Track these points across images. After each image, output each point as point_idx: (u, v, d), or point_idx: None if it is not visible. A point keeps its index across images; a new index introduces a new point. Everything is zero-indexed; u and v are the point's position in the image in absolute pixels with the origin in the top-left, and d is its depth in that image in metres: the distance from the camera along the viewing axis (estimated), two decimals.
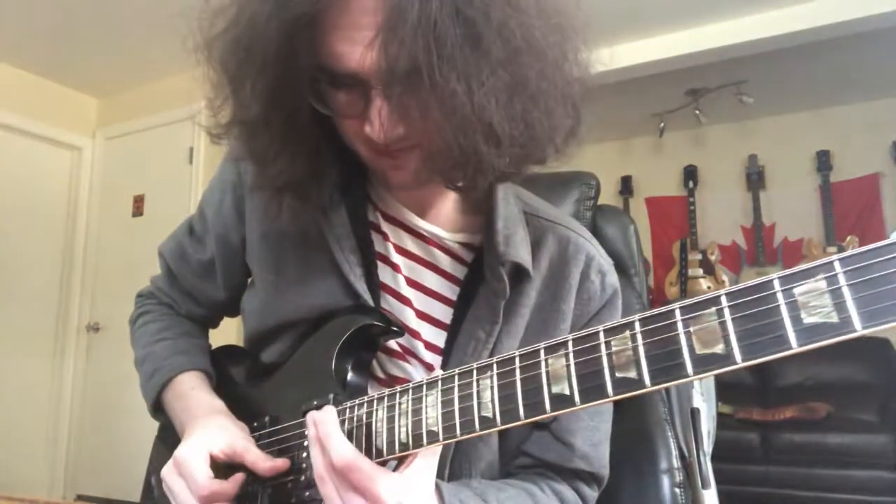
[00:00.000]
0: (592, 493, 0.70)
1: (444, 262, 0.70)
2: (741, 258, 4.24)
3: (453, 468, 0.65)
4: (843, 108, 4.07)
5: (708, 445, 1.17)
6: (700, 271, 4.21)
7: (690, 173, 4.41)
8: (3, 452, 3.41)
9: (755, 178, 4.24)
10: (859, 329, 0.33)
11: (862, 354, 3.47)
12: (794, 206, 4.14)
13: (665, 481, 0.86)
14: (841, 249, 3.89)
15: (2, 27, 3.19)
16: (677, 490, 0.86)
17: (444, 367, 0.66)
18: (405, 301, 0.68)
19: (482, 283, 0.66)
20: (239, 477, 0.61)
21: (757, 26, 3.02)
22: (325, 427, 0.53)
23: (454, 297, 0.69)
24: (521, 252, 0.66)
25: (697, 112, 3.98)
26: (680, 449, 0.89)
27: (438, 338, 0.68)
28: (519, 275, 0.66)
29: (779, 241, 4.17)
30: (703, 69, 3.40)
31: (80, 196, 3.95)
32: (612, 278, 0.72)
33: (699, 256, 4.24)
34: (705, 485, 1.12)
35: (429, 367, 0.67)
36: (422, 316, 0.68)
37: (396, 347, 0.68)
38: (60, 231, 3.90)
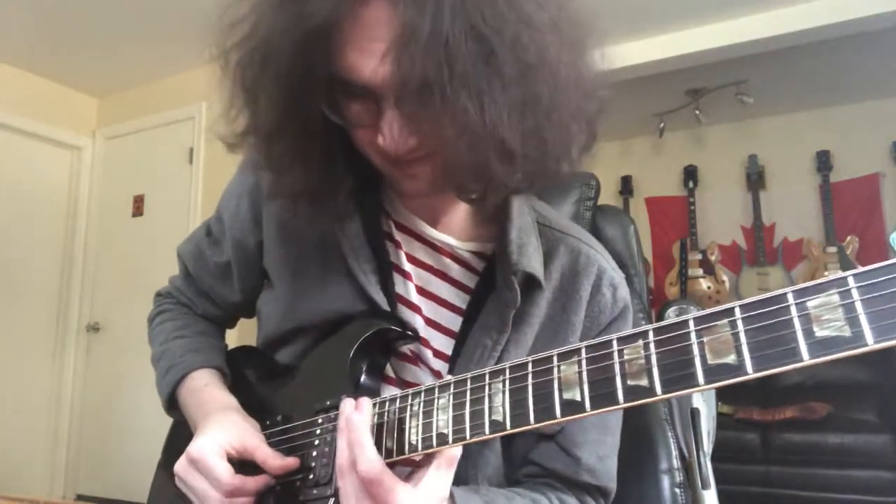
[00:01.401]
0: None
1: (455, 270, 0.70)
2: (741, 258, 4.24)
3: (459, 473, 0.65)
4: (843, 108, 4.07)
5: (708, 445, 1.17)
6: (700, 271, 4.21)
7: (690, 173, 4.41)
8: (3, 452, 3.41)
9: (755, 178, 4.24)
10: (871, 343, 0.33)
11: (862, 354, 3.46)
12: (794, 206, 4.14)
13: (665, 481, 0.86)
14: (841, 249, 3.89)
15: (2, 27, 3.19)
16: (677, 490, 0.86)
17: (450, 374, 0.66)
18: (415, 309, 0.68)
19: (492, 291, 0.67)
20: (264, 478, 0.61)
21: (757, 26, 3.02)
22: (357, 435, 0.52)
23: (463, 306, 0.69)
24: (533, 262, 0.66)
25: (697, 112, 3.98)
26: (680, 449, 0.89)
27: (447, 345, 0.68)
28: (530, 285, 0.66)
29: (779, 241, 4.17)
30: (703, 69, 3.40)
31: (80, 196, 3.95)
32: (624, 292, 0.72)
33: (699, 256, 4.24)
34: (705, 485, 1.12)
35: (436, 374, 0.67)
36: (431, 324, 0.69)
37: (408, 352, 0.69)
38: (60, 231, 3.89)
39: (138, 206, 3.79)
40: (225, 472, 0.58)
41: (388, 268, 0.68)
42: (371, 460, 0.50)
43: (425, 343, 0.68)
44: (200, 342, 0.78)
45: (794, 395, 3.39)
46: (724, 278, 4.17)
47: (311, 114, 0.56)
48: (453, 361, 0.67)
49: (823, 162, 4.05)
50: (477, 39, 0.49)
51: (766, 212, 4.20)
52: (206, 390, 0.71)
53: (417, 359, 0.68)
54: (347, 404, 0.54)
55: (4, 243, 3.57)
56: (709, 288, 4.17)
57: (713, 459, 1.18)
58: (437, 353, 0.68)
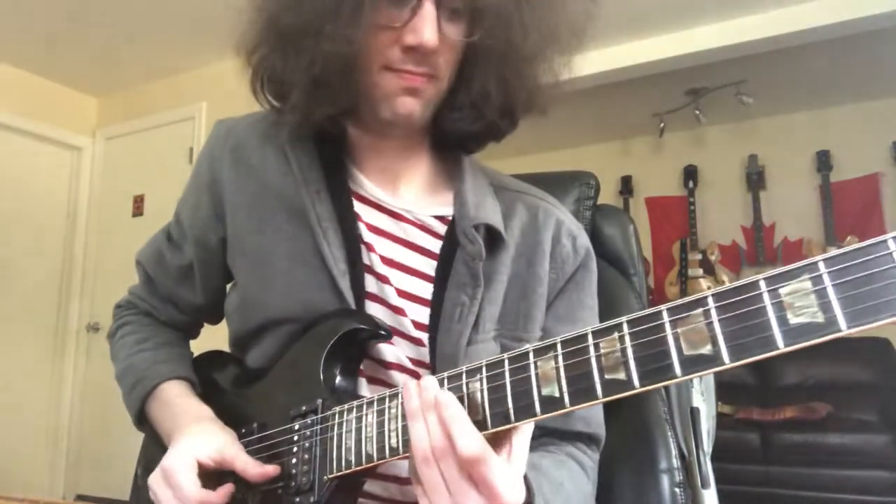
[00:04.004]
0: (595, 456, 0.71)
1: (419, 237, 0.70)
2: (741, 258, 4.23)
3: None
4: (843, 108, 4.07)
5: (708, 445, 1.17)
6: (700, 271, 4.20)
7: (690, 173, 4.41)
8: (3, 452, 3.41)
9: (755, 178, 4.24)
10: (844, 329, 0.33)
11: (862, 354, 3.46)
12: (794, 206, 4.14)
13: (665, 481, 0.86)
14: None
15: (2, 27, 3.19)
16: (677, 490, 0.86)
17: (431, 340, 0.66)
18: (384, 280, 0.68)
19: (458, 249, 0.68)
20: (228, 487, 0.60)
21: (757, 26, 3.02)
22: (451, 410, 0.46)
23: (432, 273, 0.69)
24: (491, 216, 0.68)
25: (697, 112, 3.98)
26: (680, 449, 0.89)
27: (423, 314, 0.68)
28: (493, 240, 0.68)
29: (779, 241, 4.17)
30: (703, 69, 3.40)
31: (80, 196, 3.95)
32: (583, 240, 0.75)
33: (699, 256, 4.23)
34: (705, 485, 1.12)
35: (418, 343, 0.67)
36: (403, 294, 0.68)
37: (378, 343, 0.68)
38: (60, 231, 3.89)
39: (138, 206, 3.79)
40: (191, 485, 0.58)
41: (357, 250, 0.68)
42: (476, 437, 0.45)
43: (401, 312, 0.67)
44: (166, 353, 0.77)
45: (794, 395, 3.39)
46: (724, 278, 4.17)
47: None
48: (433, 328, 0.66)
49: (823, 162, 4.05)
50: None
51: (766, 212, 4.20)
52: (178, 401, 0.70)
53: (396, 333, 0.67)
54: (413, 385, 0.49)
55: (4, 243, 3.57)
56: (709, 288, 4.15)
57: (713, 459, 1.18)
58: (416, 324, 0.67)
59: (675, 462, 0.87)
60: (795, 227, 4.11)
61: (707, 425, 1.16)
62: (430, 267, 0.70)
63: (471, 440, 0.45)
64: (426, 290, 0.69)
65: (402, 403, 0.51)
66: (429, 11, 0.59)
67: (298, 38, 0.61)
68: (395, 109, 0.64)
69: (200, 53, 3.38)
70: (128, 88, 3.92)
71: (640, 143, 4.65)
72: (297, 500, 0.58)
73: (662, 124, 4.18)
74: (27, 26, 3.20)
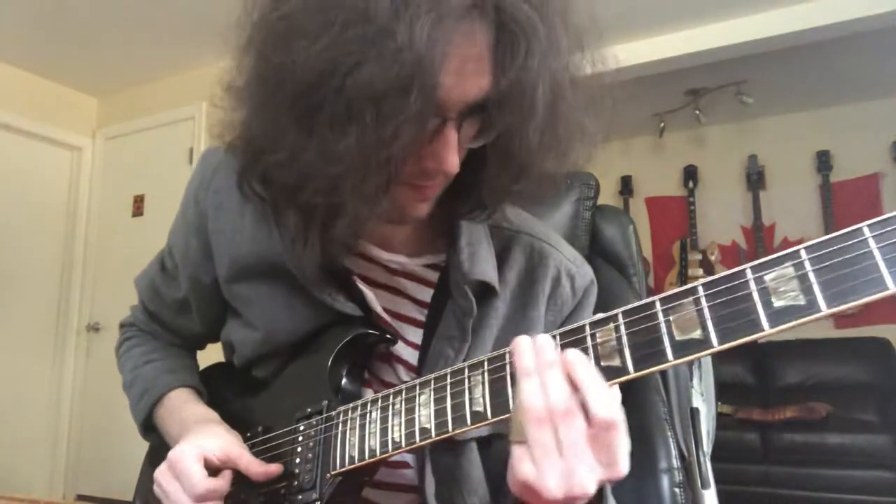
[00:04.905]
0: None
1: (410, 287, 0.70)
2: (741, 258, 4.23)
3: (443, 492, 0.64)
4: (843, 108, 4.07)
5: (708, 445, 1.17)
6: (700, 271, 4.20)
7: (690, 173, 4.41)
8: (3, 452, 3.41)
9: (755, 178, 4.24)
10: (824, 310, 0.36)
11: (862, 354, 3.47)
12: (794, 206, 4.14)
13: (665, 481, 0.86)
14: None
15: (2, 27, 3.19)
16: (677, 490, 0.86)
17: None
18: (382, 323, 0.68)
19: (449, 301, 0.66)
20: (228, 473, 0.60)
21: (757, 26, 3.02)
22: (584, 370, 0.43)
23: (423, 319, 0.69)
24: (486, 269, 0.66)
25: (697, 112, 3.98)
26: (680, 449, 0.89)
27: (414, 357, 0.68)
28: (486, 291, 0.66)
29: (779, 241, 4.17)
30: (703, 69, 3.40)
31: (80, 196, 3.95)
32: (581, 279, 0.72)
33: (699, 256, 4.24)
34: (705, 485, 1.12)
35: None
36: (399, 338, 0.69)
37: (384, 351, 0.69)
38: (60, 231, 3.89)
39: (138, 206, 3.79)
40: (198, 475, 0.58)
41: (351, 285, 0.67)
42: (612, 400, 0.43)
43: (395, 357, 0.68)
44: (172, 363, 0.77)
45: (794, 395, 3.39)
46: None
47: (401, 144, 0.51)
48: (419, 373, 0.66)
49: (823, 162, 4.05)
50: (563, 73, 0.54)
51: (766, 212, 4.20)
52: (185, 407, 0.71)
53: (391, 369, 0.68)
54: (526, 342, 0.46)
55: (4, 243, 3.57)
56: None
57: (713, 459, 1.18)
58: (408, 365, 0.68)
59: (675, 462, 0.87)
60: (795, 227, 4.11)
61: (707, 426, 1.16)
62: (421, 314, 0.69)
63: (608, 403, 0.42)
64: (418, 335, 0.68)
65: (510, 362, 0.48)
66: (451, 138, 0.53)
67: (315, 198, 0.54)
68: (405, 214, 0.61)
69: (200, 53, 3.38)
70: (128, 88, 3.92)
71: (640, 143, 4.64)
72: (300, 497, 0.59)
73: (662, 124, 4.18)
74: (27, 26, 3.20)
